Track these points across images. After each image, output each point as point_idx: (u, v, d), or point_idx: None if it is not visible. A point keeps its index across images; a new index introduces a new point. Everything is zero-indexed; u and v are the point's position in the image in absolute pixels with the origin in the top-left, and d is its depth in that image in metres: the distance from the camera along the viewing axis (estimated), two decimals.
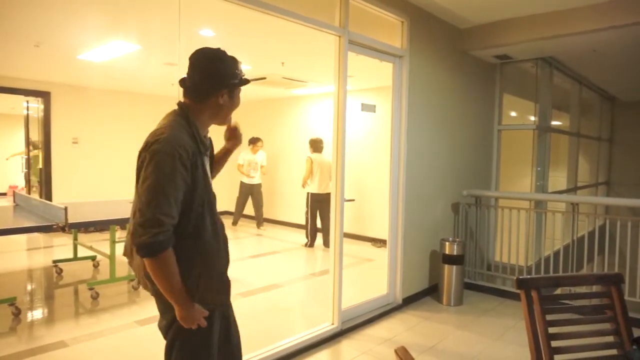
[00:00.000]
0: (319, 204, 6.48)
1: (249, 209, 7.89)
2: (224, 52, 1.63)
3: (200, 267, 1.52)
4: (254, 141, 7.70)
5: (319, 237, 6.71)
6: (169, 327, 1.60)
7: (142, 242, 1.38)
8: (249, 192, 7.70)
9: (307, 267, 5.91)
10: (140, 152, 1.50)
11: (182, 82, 1.62)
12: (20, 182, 11.02)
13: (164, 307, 1.59)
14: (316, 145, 6.65)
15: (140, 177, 1.46)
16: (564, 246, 4.41)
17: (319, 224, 6.64)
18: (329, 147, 6.25)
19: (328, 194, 6.78)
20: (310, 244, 6.69)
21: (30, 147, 7.84)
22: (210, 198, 1.57)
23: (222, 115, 1.64)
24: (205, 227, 1.53)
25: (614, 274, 1.77)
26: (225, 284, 1.62)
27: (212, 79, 1.57)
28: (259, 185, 7.67)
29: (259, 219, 7.83)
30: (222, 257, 1.60)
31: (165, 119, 1.58)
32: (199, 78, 1.58)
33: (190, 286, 1.50)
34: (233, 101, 1.64)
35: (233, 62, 1.62)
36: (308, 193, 6.55)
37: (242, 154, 7.72)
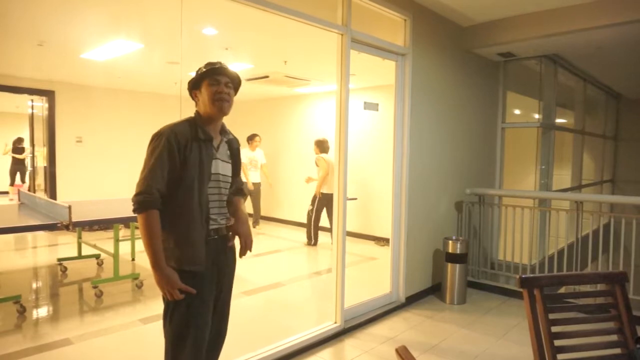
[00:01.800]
0: (328, 203, 6.43)
1: (248, 210, 7.90)
2: (204, 66, 1.92)
3: (181, 232, 1.79)
4: (251, 138, 7.69)
5: (322, 236, 6.70)
6: None
7: (132, 200, 1.74)
8: (250, 191, 7.70)
9: (310, 266, 5.91)
10: None
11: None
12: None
13: None
14: (323, 146, 6.61)
15: None
16: (568, 244, 4.39)
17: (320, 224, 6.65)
18: (332, 146, 6.44)
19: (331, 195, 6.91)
20: (314, 242, 6.68)
21: (20, 145, 7.87)
22: (203, 178, 1.83)
23: (205, 107, 1.89)
24: (192, 200, 1.80)
25: (618, 273, 1.76)
26: (201, 250, 1.83)
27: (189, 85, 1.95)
28: (258, 184, 7.67)
29: (256, 218, 7.84)
30: (202, 228, 1.84)
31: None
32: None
33: (171, 245, 1.78)
34: (204, 93, 1.87)
35: (199, 68, 1.91)
36: (320, 193, 6.47)
37: (243, 152, 7.73)
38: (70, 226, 3.64)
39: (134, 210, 1.74)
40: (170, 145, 1.76)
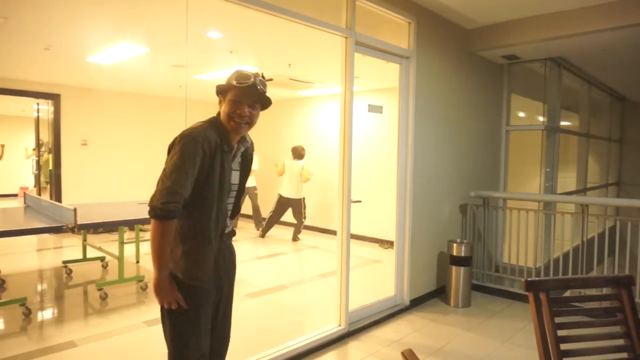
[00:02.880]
0: (285, 207, 7.14)
1: (246, 210, 7.92)
2: (234, 73, 1.82)
3: (193, 246, 1.74)
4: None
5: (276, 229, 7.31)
6: None
7: (156, 206, 1.62)
8: (245, 194, 7.69)
9: (314, 268, 5.91)
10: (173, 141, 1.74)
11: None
12: (31, 183, 11.15)
13: None
14: (298, 153, 7.15)
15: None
16: (574, 248, 4.37)
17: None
18: (327, 151, 6.37)
19: (294, 200, 7.08)
20: (263, 234, 7.30)
21: (42, 149, 7.93)
22: (222, 192, 1.77)
23: (224, 117, 1.81)
24: (210, 214, 1.75)
25: (624, 276, 1.75)
26: (210, 267, 1.78)
27: (219, 88, 1.84)
28: (253, 188, 7.66)
29: (257, 221, 7.84)
30: (215, 244, 1.79)
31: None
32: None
33: (179, 255, 1.73)
34: (227, 105, 1.79)
35: (232, 76, 1.81)
36: (278, 194, 7.16)
37: None
38: (75, 229, 3.66)
39: (155, 216, 1.62)
40: (203, 151, 1.67)
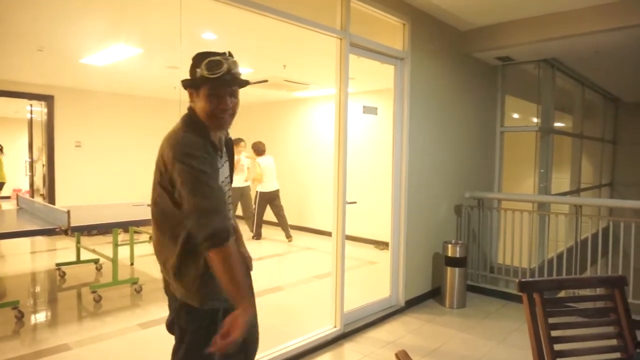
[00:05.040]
0: (268, 201, 7.25)
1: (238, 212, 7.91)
2: (197, 56, 1.59)
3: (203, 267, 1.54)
4: (237, 142, 7.66)
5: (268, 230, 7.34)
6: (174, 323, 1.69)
7: (219, 227, 1.38)
8: (239, 194, 7.62)
9: (309, 270, 5.90)
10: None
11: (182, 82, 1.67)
12: (24, 186, 11.07)
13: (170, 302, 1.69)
14: (260, 149, 7.27)
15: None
16: (568, 248, 4.39)
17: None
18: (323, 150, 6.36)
19: (277, 191, 7.15)
20: (257, 237, 7.32)
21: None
22: (221, 193, 1.56)
23: (203, 113, 1.58)
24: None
25: (617, 277, 1.76)
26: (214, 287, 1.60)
27: (188, 77, 1.61)
28: (247, 188, 7.54)
29: (250, 223, 7.79)
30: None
31: (181, 119, 1.66)
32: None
33: (199, 280, 1.56)
34: (202, 100, 1.57)
35: (196, 63, 1.56)
36: (257, 192, 7.21)
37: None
38: (68, 231, 3.63)
39: (219, 243, 1.39)
40: (207, 155, 1.51)
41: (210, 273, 1.49)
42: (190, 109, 1.62)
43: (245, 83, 1.63)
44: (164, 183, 1.53)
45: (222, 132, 1.69)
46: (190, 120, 1.59)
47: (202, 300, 1.57)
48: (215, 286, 1.52)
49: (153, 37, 4.44)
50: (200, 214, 1.40)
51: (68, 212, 3.63)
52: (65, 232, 3.64)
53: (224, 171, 1.69)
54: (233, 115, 1.62)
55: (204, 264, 1.53)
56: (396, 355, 1.14)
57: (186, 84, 1.60)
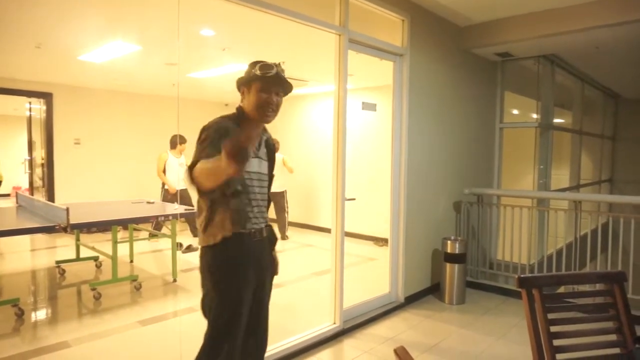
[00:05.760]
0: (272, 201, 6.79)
1: None
2: (254, 62, 1.88)
3: (233, 212, 1.79)
4: None
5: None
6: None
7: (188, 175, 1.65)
8: None
9: (309, 266, 5.90)
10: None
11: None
12: (24, 184, 11.05)
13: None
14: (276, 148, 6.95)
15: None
16: (567, 244, 4.40)
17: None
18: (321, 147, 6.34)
19: (279, 192, 6.98)
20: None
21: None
22: (250, 179, 1.86)
23: (250, 109, 1.86)
24: (239, 194, 1.80)
25: (616, 272, 1.76)
26: (246, 251, 1.86)
27: (240, 79, 1.90)
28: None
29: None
30: (248, 217, 1.86)
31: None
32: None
33: (220, 219, 1.77)
34: (252, 95, 1.84)
35: (252, 66, 1.86)
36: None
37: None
38: (68, 228, 3.63)
39: (190, 178, 1.67)
40: (216, 134, 1.73)
41: (235, 215, 1.79)
42: (239, 108, 1.90)
43: (290, 88, 1.92)
44: None
45: (262, 132, 1.97)
46: (233, 114, 1.88)
47: (229, 229, 1.78)
48: (240, 219, 1.80)
49: (151, 34, 4.42)
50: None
51: (67, 209, 3.63)
52: (64, 230, 3.64)
53: (257, 164, 1.91)
54: (276, 111, 1.88)
55: (231, 212, 1.78)
56: (395, 351, 1.14)
57: (241, 82, 1.87)
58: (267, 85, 1.82)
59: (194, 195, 1.81)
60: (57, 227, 3.66)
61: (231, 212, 1.80)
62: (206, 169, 1.59)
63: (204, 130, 1.77)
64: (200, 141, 1.74)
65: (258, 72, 1.80)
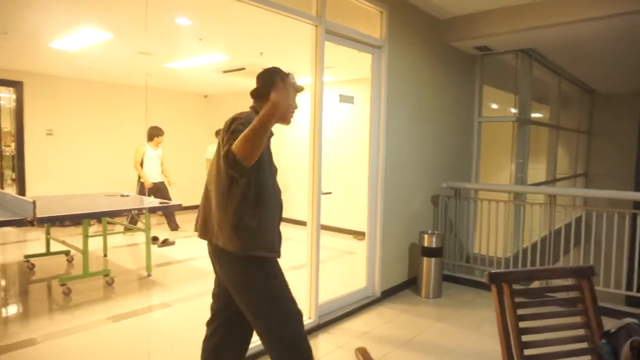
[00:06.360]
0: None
1: None
2: (273, 69, 2.07)
3: (263, 218, 1.88)
4: (219, 132, 7.58)
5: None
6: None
7: (226, 152, 1.70)
8: None
9: (286, 261, 5.85)
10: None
11: (251, 93, 2.07)
12: None
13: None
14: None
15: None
16: (542, 238, 4.45)
17: None
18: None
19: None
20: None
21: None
22: (272, 170, 2.02)
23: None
24: (266, 188, 1.91)
25: (585, 267, 1.76)
26: (277, 235, 1.99)
27: (264, 85, 1.98)
28: None
29: None
30: (275, 214, 1.98)
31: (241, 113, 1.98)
32: (258, 86, 2.06)
33: (253, 228, 1.85)
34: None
35: (276, 72, 2.03)
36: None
37: (209, 148, 7.62)
38: (34, 222, 3.50)
39: (228, 157, 1.72)
40: (248, 124, 1.80)
41: (265, 226, 1.89)
42: (255, 108, 2.01)
43: (301, 89, 2.14)
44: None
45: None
46: (249, 110, 2.00)
47: (260, 250, 1.88)
48: (271, 238, 1.92)
49: (123, 22, 4.28)
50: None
51: (34, 202, 3.50)
52: (31, 223, 3.51)
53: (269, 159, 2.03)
54: (294, 113, 2.10)
55: (261, 218, 1.88)
56: (356, 352, 1.10)
57: (262, 92, 1.96)
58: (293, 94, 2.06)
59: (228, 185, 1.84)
60: (23, 221, 3.52)
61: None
62: (250, 129, 1.64)
63: (235, 120, 1.84)
64: (232, 130, 1.79)
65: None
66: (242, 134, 1.67)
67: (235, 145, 1.68)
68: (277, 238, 1.98)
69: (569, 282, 1.71)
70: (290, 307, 1.97)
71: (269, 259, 1.92)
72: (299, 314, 2.00)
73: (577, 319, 1.71)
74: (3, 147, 7.59)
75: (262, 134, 1.65)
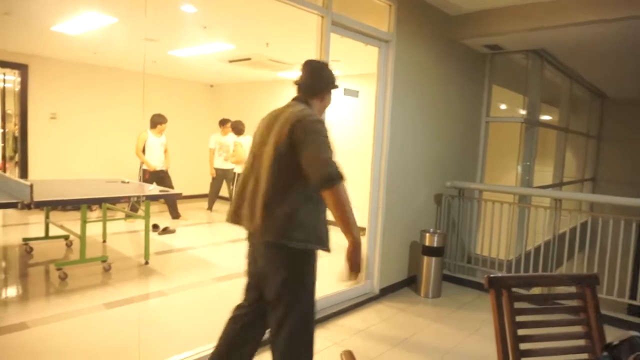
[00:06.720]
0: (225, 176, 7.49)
1: (223, 192, 7.81)
2: (327, 64, 2.26)
3: (320, 213, 1.95)
4: (223, 123, 7.52)
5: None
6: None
7: (334, 171, 1.77)
8: (223, 176, 7.53)
9: None
10: (282, 128, 1.91)
11: (297, 82, 2.15)
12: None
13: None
14: (239, 129, 7.08)
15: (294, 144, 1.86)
16: (545, 242, 4.37)
17: None
18: None
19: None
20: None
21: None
22: None
23: (320, 109, 2.17)
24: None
25: (589, 275, 1.69)
26: (327, 230, 2.01)
27: (321, 82, 2.15)
28: (232, 170, 7.33)
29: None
30: (325, 209, 1.98)
31: (295, 106, 2.02)
32: (313, 80, 2.13)
33: (312, 224, 1.90)
34: (326, 101, 2.19)
35: (332, 72, 2.20)
36: (235, 174, 7.13)
37: (212, 138, 7.57)
38: (31, 205, 3.47)
39: (338, 181, 1.77)
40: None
41: (322, 221, 1.95)
42: (305, 101, 2.08)
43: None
44: (284, 148, 1.87)
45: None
46: (311, 108, 2.05)
47: (319, 243, 1.94)
48: (326, 232, 1.97)
49: (128, 6, 4.22)
50: (327, 158, 1.80)
51: (31, 185, 3.46)
52: (27, 207, 3.48)
53: None
54: (326, 108, 2.24)
55: (319, 212, 1.94)
56: (341, 355, 1.05)
57: (326, 86, 2.15)
58: (332, 93, 2.21)
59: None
60: (20, 204, 3.49)
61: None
62: (346, 207, 1.81)
63: (319, 122, 1.90)
64: (323, 134, 1.86)
65: (333, 84, 2.17)
66: (345, 212, 1.80)
67: (338, 194, 1.78)
68: (327, 233, 1.99)
69: (571, 289, 1.64)
70: (314, 305, 2.08)
71: (314, 254, 1.97)
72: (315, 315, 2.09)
73: (578, 329, 1.65)
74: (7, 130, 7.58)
75: (350, 221, 1.82)
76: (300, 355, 2.00)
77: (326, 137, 1.86)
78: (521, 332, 1.56)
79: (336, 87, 2.19)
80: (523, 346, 1.55)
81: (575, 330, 1.64)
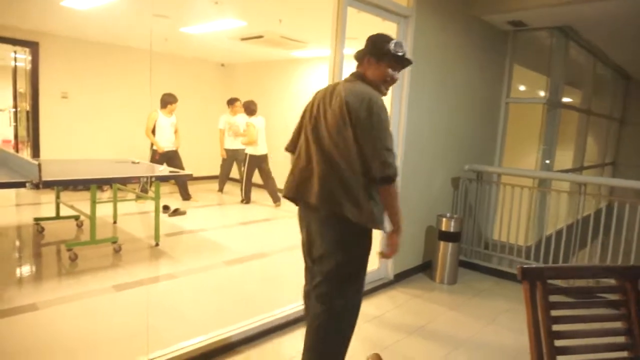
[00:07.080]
0: (257, 165, 6.89)
1: (234, 174, 7.72)
2: (387, 35, 2.04)
3: (378, 195, 1.98)
4: (231, 102, 7.35)
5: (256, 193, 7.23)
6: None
7: (392, 172, 1.85)
8: (233, 157, 7.40)
9: (296, 237, 5.74)
10: (341, 108, 1.91)
11: (357, 57, 2.10)
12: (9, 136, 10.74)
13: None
14: (251, 109, 6.78)
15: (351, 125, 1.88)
16: (567, 226, 4.20)
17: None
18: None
19: (265, 155, 6.84)
20: (246, 201, 6.98)
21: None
22: None
23: (374, 80, 2.02)
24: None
25: (630, 267, 1.56)
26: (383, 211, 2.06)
27: (371, 48, 2.02)
28: (242, 151, 7.11)
29: (240, 186, 7.55)
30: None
31: (349, 82, 2.02)
32: (364, 47, 2.06)
33: (378, 202, 1.98)
34: (380, 69, 2.00)
35: (386, 40, 2.00)
36: (247, 155, 6.87)
37: (222, 118, 7.41)
38: (40, 185, 3.40)
39: (391, 179, 1.86)
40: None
41: (380, 204, 1.99)
42: (361, 74, 2.03)
43: (409, 63, 2.07)
44: (345, 130, 1.88)
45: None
46: (372, 84, 2.00)
47: (377, 223, 1.99)
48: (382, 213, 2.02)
49: None
50: (389, 154, 1.85)
51: (39, 165, 3.39)
52: (36, 186, 3.41)
53: None
54: (390, 86, 2.09)
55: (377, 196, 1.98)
56: (368, 358, 0.93)
57: (369, 52, 2.01)
58: (396, 64, 2.00)
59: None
60: (28, 184, 3.43)
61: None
62: (397, 201, 1.97)
63: (378, 106, 1.87)
64: (383, 121, 1.86)
65: (392, 49, 1.95)
66: (395, 204, 1.96)
67: (393, 189, 1.92)
68: (383, 213, 2.04)
69: (610, 282, 1.50)
70: (364, 273, 2.24)
71: (370, 232, 2.06)
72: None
73: (617, 324, 1.52)
74: (19, 108, 7.54)
75: (394, 206, 1.98)
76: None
77: (386, 125, 1.88)
78: (556, 327, 1.44)
79: (396, 57, 1.99)
80: (558, 343, 1.43)
81: (614, 326, 1.52)
